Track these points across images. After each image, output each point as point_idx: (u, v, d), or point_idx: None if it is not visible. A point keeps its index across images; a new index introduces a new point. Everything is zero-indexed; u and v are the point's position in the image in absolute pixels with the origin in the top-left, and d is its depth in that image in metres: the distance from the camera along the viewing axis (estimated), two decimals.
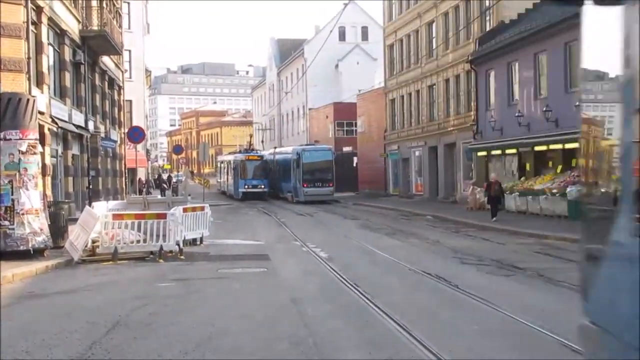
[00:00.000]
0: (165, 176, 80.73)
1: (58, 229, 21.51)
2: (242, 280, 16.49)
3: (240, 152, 69.17)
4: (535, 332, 10.70)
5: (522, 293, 14.38)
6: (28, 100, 20.16)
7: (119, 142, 47.82)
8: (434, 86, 51.50)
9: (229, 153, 78.14)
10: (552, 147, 34.51)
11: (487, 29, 43.62)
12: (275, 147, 72.07)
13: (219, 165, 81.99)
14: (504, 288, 14.96)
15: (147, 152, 78.09)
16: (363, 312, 12.47)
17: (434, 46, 51.37)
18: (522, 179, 36.88)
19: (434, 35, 51.86)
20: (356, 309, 12.79)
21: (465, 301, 13.35)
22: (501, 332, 10.93)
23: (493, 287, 14.86)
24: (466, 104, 46.19)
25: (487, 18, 44.21)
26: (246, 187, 59.21)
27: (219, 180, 78.13)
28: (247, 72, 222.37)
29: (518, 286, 15.18)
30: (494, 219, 31.59)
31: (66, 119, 32.33)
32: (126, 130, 46.06)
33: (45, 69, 28.93)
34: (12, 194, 19.29)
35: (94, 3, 39.60)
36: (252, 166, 60.52)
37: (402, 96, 58.49)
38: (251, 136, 78.25)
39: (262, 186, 59.80)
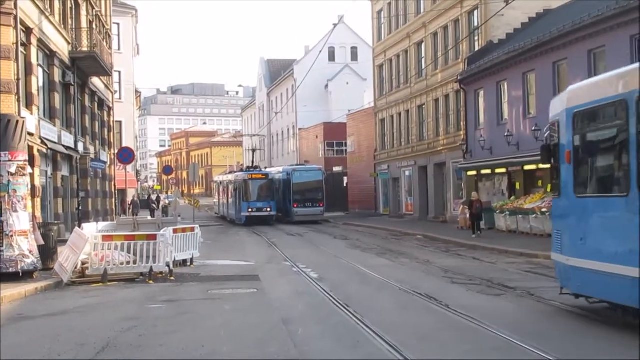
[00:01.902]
0: (154, 197, 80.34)
1: (47, 251, 21.42)
2: (233, 301, 16.45)
3: (242, 170, 62.29)
4: (527, 352, 10.70)
5: (512, 312, 14.38)
6: (17, 121, 20.14)
7: (108, 163, 47.74)
8: (424, 106, 51.64)
9: (229, 172, 71.23)
10: (541, 166, 34.59)
11: (476, 48, 43.82)
12: (265, 168, 71.23)
13: (216, 186, 73.22)
14: (494, 307, 14.95)
15: (137, 172, 78.01)
16: (353, 332, 12.45)
17: (423, 66, 51.55)
18: (512, 198, 36.93)
19: (423, 55, 52.06)
20: (347, 329, 12.78)
21: (456, 321, 13.35)
22: (492, 351, 10.92)
23: (483, 307, 14.86)
24: (456, 123, 46.32)
25: (476, 38, 44.43)
26: (250, 210, 51.90)
27: (216, 202, 71.30)
28: (237, 93, 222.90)
29: (508, 305, 15.18)
30: (475, 234, 33.71)
31: (56, 140, 32.28)
32: (116, 151, 45.98)
33: (34, 90, 28.90)
34: (1, 216, 19.24)
35: (84, 24, 39.64)
36: (257, 186, 53.17)
37: (392, 116, 58.62)
38: (254, 151, 67.37)
39: (269, 209, 52.64)
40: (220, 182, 67.55)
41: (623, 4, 27.52)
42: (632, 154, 11.44)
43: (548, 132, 14.80)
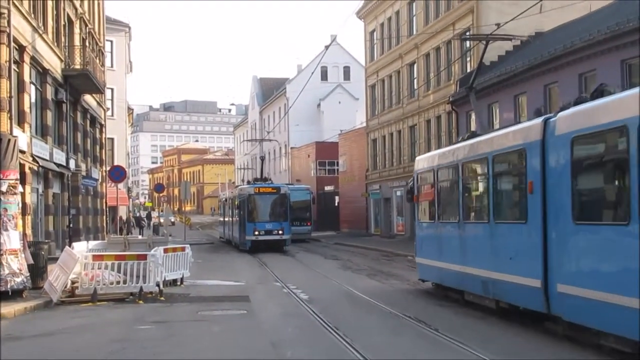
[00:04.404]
0: (144, 214, 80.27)
1: (37, 269, 21.40)
2: (222, 322, 16.44)
3: (248, 182, 52.73)
4: None
5: (502, 336, 14.39)
6: (9, 140, 20.16)
7: (100, 180, 47.68)
8: (416, 126, 51.79)
9: (238, 186, 57.82)
10: None
11: (468, 70, 43.97)
12: None
13: (221, 204, 63.50)
14: (483, 331, 14.96)
15: (129, 190, 77.93)
16: (343, 356, 12.45)
17: (415, 87, 51.74)
18: None
19: (415, 76, 52.28)
20: (336, 353, 12.77)
21: (445, 345, 13.34)
22: None
23: (473, 330, 14.87)
24: (447, 144, 46.37)
25: (468, 60, 44.60)
26: (256, 233, 43.05)
27: (222, 221, 60.69)
28: (230, 110, 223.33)
29: (497, 329, 15.18)
30: None
31: (47, 157, 32.27)
32: (108, 169, 45.98)
33: (27, 108, 28.92)
34: None
35: (77, 42, 39.71)
36: (266, 202, 44.68)
37: (384, 136, 58.77)
38: (262, 159, 56.54)
39: (280, 231, 43.63)
40: (225, 200, 57.93)
41: (614, 28, 27.70)
42: (436, 199, 20.55)
43: (411, 181, 23.43)
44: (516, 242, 15.12)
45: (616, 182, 11.97)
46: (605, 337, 11.87)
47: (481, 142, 17.38)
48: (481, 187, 17.51)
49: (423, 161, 22.45)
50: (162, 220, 68.55)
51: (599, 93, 12.93)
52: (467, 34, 42.18)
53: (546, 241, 13.59)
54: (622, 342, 11.32)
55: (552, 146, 13.45)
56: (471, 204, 18.47)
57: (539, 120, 14.23)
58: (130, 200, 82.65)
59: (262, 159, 56.70)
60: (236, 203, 47.75)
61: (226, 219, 55.52)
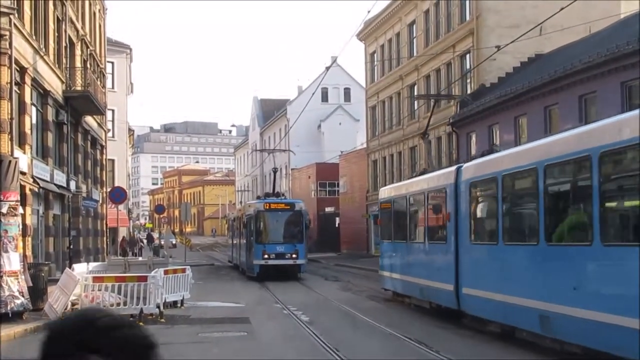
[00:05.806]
0: (143, 235, 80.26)
1: (37, 291, 21.33)
2: (222, 344, 16.40)
3: (258, 197, 46.56)
4: None
5: (506, 357, 14.34)
6: (10, 161, 20.17)
7: (100, 201, 47.66)
8: (416, 147, 51.80)
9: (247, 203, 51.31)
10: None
11: (468, 92, 44.06)
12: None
13: (230, 224, 57.12)
14: (485, 353, 14.92)
15: (129, 211, 77.91)
16: None
17: (416, 108, 51.81)
18: None
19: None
20: None
21: None
22: None
23: (474, 353, 14.83)
24: (448, 166, 46.34)
25: (468, 81, 44.69)
26: (266, 256, 36.43)
27: (230, 243, 53.64)
28: (230, 132, 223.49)
29: (499, 351, 15.15)
30: None
31: (48, 179, 32.28)
32: (108, 190, 45.98)
33: (27, 129, 28.96)
34: None
35: (78, 64, 39.83)
36: (278, 220, 38.09)
37: (384, 157, 58.79)
38: (275, 171, 47.47)
39: (294, 255, 36.88)
40: (234, 219, 51.34)
41: (613, 51, 27.76)
42: (392, 223, 25.59)
43: (377, 209, 29.77)
44: (440, 257, 20.38)
45: (494, 215, 16.96)
46: (489, 324, 16.63)
47: (421, 180, 23.12)
48: (421, 215, 22.97)
49: (384, 192, 28.22)
50: (162, 241, 68.44)
51: (490, 151, 18.97)
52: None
53: (457, 256, 18.72)
54: (497, 326, 16.20)
55: (460, 187, 18.66)
56: (414, 227, 23.67)
57: (453, 168, 19.95)
58: (131, 221, 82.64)
59: (275, 171, 48.28)
60: (244, 221, 41.52)
61: (234, 241, 49.27)
